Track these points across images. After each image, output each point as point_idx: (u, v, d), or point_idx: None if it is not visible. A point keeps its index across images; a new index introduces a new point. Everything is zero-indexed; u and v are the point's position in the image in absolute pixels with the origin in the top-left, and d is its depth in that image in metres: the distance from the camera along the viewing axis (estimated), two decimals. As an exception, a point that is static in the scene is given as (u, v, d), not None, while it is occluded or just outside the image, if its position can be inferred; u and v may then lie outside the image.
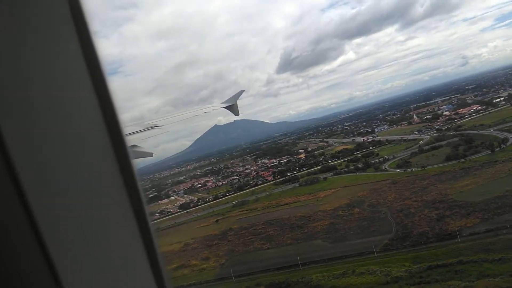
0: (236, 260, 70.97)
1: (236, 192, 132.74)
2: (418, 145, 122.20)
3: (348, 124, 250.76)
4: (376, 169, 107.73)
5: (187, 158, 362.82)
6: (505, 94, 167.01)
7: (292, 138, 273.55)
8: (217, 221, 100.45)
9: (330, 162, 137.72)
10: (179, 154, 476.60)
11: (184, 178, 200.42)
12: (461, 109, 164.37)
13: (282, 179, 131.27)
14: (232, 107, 16.89)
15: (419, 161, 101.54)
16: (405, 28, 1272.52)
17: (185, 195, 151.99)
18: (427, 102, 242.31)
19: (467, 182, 74.49)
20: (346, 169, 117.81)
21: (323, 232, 71.67)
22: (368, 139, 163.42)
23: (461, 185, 74.16)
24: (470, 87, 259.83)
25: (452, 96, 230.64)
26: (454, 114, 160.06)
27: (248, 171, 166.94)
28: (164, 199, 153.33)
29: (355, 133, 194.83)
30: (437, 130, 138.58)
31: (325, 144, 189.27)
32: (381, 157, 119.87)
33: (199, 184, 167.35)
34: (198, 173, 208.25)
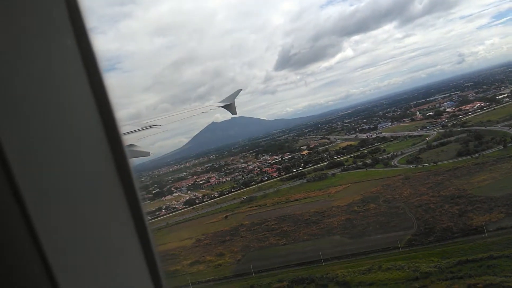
0: (252, 256, 69.96)
1: (242, 188, 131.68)
2: (425, 141, 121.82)
3: (348, 121, 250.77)
4: (386, 165, 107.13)
5: (184, 155, 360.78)
6: (508, 90, 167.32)
7: (291, 135, 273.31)
8: (226, 217, 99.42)
9: (335, 158, 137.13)
10: (176, 151, 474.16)
11: (184, 174, 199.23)
12: (464, 106, 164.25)
13: (288, 175, 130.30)
14: (229, 106, 16.84)
15: (429, 156, 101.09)
16: (403, 25, 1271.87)
17: (189, 192, 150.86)
18: (427, 99, 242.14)
19: (483, 177, 73.91)
20: (354, 165, 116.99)
21: (340, 228, 70.82)
22: (371, 135, 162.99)
23: (477, 180, 73.55)
24: (469, 84, 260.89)
25: (452, 93, 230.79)
26: (458, 110, 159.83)
27: (250, 167, 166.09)
28: (167, 195, 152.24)
29: (357, 129, 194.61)
30: (443, 126, 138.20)
31: (327, 140, 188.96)
32: (388, 153, 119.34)
33: (201, 180, 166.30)
34: (199, 170, 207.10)
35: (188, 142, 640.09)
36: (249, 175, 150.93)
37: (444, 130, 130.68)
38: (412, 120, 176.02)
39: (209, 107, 15.89)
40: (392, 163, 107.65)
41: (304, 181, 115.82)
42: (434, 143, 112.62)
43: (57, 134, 1.36)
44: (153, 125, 10.72)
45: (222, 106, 16.57)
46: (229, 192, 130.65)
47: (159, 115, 13.55)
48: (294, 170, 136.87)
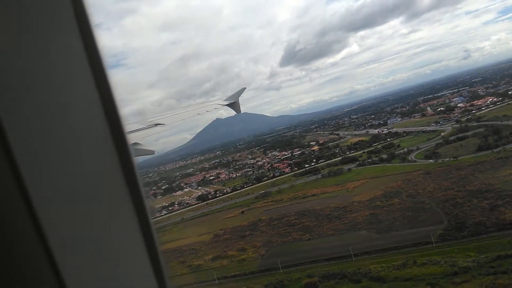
0: (276, 251, 68.93)
1: (254, 183, 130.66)
2: (441, 136, 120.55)
3: (355, 117, 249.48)
4: (403, 160, 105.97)
5: (189, 151, 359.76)
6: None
7: (297, 131, 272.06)
8: (242, 212, 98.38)
9: (348, 154, 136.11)
10: (181, 147, 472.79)
11: (192, 170, 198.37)
12: (476, 101, 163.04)
13: (301, 170, 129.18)
14: (233, 105, 16.82)
15: (447, 151, 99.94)
16: (410, 21, 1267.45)
17: (199, 187, 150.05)
18: (435, 95, 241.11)
19: (510, 172, 72.71)
20: (369, 160, 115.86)
21: (365, 223, 69.73)
22: (382, 131, 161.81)
23: (503, 174, 72.38)
24: (476, 80, 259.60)
25: (461, 89, 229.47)
26: (470, 105, 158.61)
27: (260, 163, 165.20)
28: (178, 191, 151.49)
29: (367, 125, 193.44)
30: (457, 121, 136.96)
31: (336, 136, 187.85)
32: (403, 148, 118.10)
33: (211, 176, 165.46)
34: (206, 166, 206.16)
35: (193, 138, 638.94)
36: (260, 171, 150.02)
37: (458, 125, 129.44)
38: (423, 115, 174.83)
39: (213, 106, 15.82)
40: (409, 158, 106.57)
41: (319, 176, 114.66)
42: (451, 138, 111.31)
43: (62, 133, 1.36)
44: (158, 124, 10.68)
45: (226, 105, 16.49)
46: (242, 187, 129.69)
47: (164, 113, 13.46)
48: (307, 165, 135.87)
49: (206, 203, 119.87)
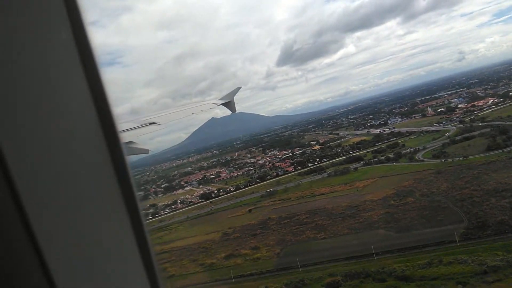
0: (292, 249, 67.83)
1: (258, 182, 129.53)
2: (446, 136, 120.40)
3: (353, 117, 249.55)
4: (411, 160, 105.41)
5: (185, 150, 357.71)
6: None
7: (295, 130, 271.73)
8: (250, 210, 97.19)
9: (352, 153, 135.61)
10: (176, 146, 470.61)
11: (191, 169, 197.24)
12: (477, 102, 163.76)
13: (306, 169, 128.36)
14: (229, 104, 16.79)
15: (455, 151, 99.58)
16: (406, 22, 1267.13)
17: (201, 186, 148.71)
18: (433, 96, 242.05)
19: (524, 171, 72.45)
20: (375, 159, 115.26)
21: (382, 222, 68.82)
22: (384, 130, 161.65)
23: (518, 174, 72.05)
24: (473, 81, 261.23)
25: (458, 90, 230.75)
26: (471, 106, 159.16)
27: (261, 162, 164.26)
28: (178, 189, 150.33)
29: (367, 125, 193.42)
30: (460, 121, 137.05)
31: (336, 136, 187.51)
32: (409, 148, 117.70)
33: (211, 175, 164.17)
34: (205, 164, 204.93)
35: (188, 137, 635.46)
36: (262, 170, 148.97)
37: (462, 125, 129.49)
38: (424, 115, 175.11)
39: (208, 105, 15.80)
40: (417, 158, 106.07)
41: (325, 175, 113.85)
42: (458, 138, 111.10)
43: (53, 131, 1.34)
44: (153, 123, 10.65)
45: (221, 104, 16.48)
46: (246, 186, 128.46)
47: (159, 112, 13.43)
48: (311, 164, 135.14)
49: (210, 202, 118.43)
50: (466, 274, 47.08)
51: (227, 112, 17.37)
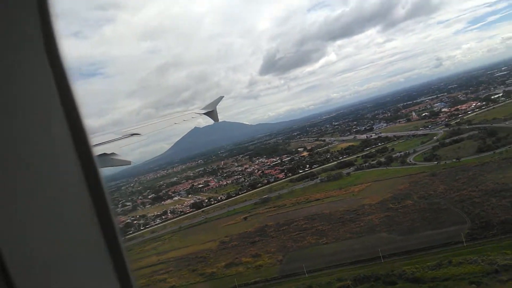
0: (294, 256, 66.77)
1: (249, 190, 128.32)
2: (435, 139, 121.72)
3: (337, 123, 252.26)
4: (403, 163, 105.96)
5: (168, 160, 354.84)
6: (500, 91, 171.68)
7: (280, 138, 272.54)
8: (245, 218, 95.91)
9: (341, 159, 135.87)
10: (158, 157, 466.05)
11: (177, 179, 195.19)
12: (460, 106, 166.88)
13: (297, 176, 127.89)
14: (211, 113, 16.79)
15: (446, 153, 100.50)
16: (386, 30, 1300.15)
17: (190, 195, 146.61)
18: (414, 101, 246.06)
19: (519, 171, 73.32)
20: (366, 164, 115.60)
21: (383, 225, 68.47)
22: (371, 136, 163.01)
23: (513, 174, 72.87)
24: (452, 86, 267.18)
25: (439, 95, 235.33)
26: (455, 110, 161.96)
27: (249, 170, 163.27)
28: (167, 199, 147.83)
29: (352, 131, 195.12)
30: (446, 125, 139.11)
31: (322, 142, 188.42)
32: (398, 152, 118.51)
33: (199, 184, 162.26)
34: (191, 174, 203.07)
35: (171, 147, 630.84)
36: (251, 177, 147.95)
37: (449, 128, 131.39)
38: (408, 120, 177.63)
39: (190, 115, 15.70)
40: (408, 161, 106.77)
41: (318, 181, 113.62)
42: (447, 141, 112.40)
43: (24, 146, 1.30)
44: (134, 134, 10.64)
45: (204, 113, 16.38)
46: (237, 194, 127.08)
47: (141, 123, 13.49)
48: (301, 171, 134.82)
49: (202, 211, 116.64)
50: (477, 273, 46.85)
51: (210, 121, 17.24)
